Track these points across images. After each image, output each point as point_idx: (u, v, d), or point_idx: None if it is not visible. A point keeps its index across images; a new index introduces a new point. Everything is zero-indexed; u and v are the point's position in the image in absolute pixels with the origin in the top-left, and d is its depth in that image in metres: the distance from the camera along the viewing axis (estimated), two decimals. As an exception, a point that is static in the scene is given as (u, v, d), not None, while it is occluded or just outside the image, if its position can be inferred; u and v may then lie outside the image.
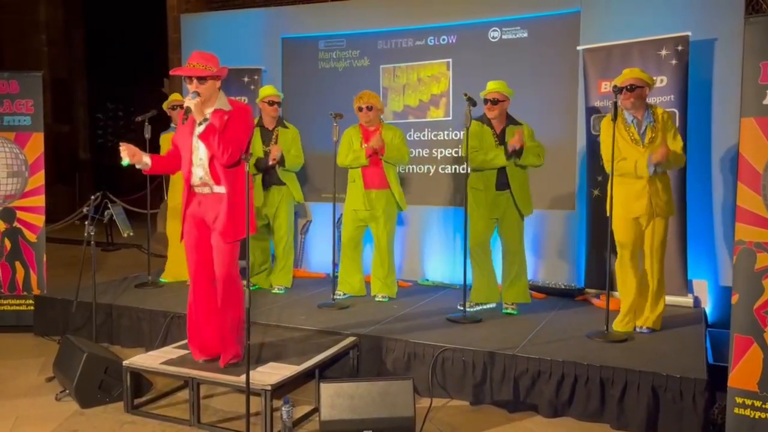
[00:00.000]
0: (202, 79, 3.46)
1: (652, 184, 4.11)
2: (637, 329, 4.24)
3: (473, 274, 4.88)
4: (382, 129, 5.06)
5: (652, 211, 4.14)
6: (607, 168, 4.19)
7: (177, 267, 5.82)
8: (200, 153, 3.52)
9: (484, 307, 4.87)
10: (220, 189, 3.51)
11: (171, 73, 3.71)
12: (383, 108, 5.14)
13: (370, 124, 5.05)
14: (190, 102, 3.41)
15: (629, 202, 4.17)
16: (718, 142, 5.01)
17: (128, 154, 3.48)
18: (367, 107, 4.97)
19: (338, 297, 5.12)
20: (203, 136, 3.44)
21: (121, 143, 3.52)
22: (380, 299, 5.11)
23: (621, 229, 4.24)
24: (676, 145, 4.14)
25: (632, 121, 4.16)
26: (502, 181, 4.69)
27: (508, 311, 4.74)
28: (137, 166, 3.57)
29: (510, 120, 4.71)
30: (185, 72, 3.46)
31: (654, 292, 4.25)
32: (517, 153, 4.56)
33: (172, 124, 5.76)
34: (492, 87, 4.65)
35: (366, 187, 5.05)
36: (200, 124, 3.45)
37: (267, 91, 5.40)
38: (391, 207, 5.13)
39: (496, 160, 4.62)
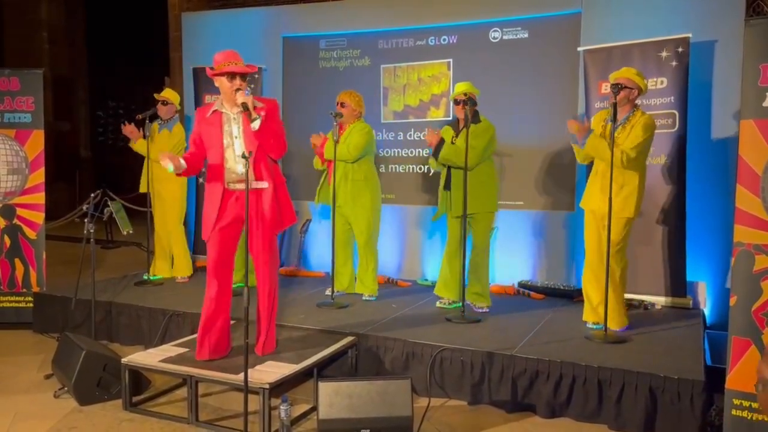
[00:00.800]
0: (243, 76, 3.52)
1: (604, 179, 4.08)
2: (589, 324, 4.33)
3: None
4: (352, 126, 5.05)
5: (598, 206, 4.17)
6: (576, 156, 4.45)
7: (162, 262, 5.85)
8: (237, 149, 3.55)
9: (443, 299, 4.92)
10: (261, 184, 3.56)
11: (212, 75, 3.59)
12: (359, 108, 5.09)
13: (343, 122, 5.06)
14: (246, 98, 3.41)
15: (589, 194, 4.29)
16: (718, 143, 5.01)
17: (172, 164, 3.49)
18: (340, 104, 5.03)
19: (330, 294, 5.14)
20: (261, 133, 3.46)
21: (160, 155, 3.51)
22: (366, 299, 5.14)
23: (585, 222, 4.37)
24: (627, 143, 4.05)
25: (610, 119, 4.17)
26: (448, 181, 4.77)
27: (479, 310, 4.77)
28: (172, 171, 3.53)
29: (474, 118, 4.69)
30: (239, 70, 3.49)
31: (613, 290, 4.19)
32: (436, 147, 4.67)
33: (159, 120, 5.77)
34: (458, 88, 4.72)
35: (330, 182, 5.06)
36: (254, 120, 3.42)
37: None
38: (356, 203, 5.08)
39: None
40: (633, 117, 4.14)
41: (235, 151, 3.56)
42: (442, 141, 4.69)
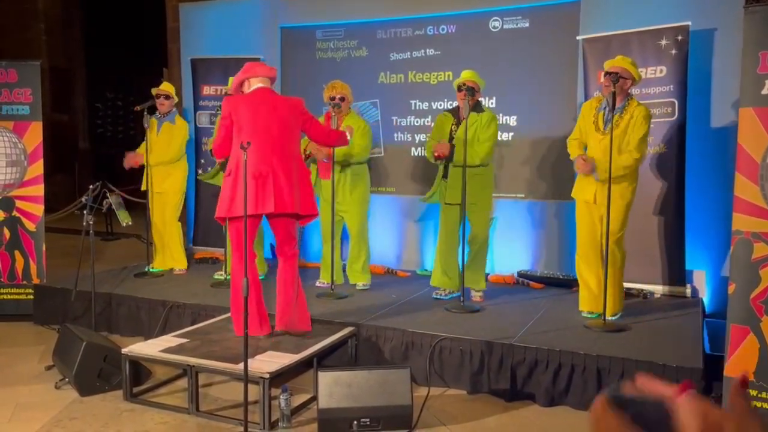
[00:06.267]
0: None
1: (603, 171, 4.06)
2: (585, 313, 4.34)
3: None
4: (347, 118, 5.02)
5: (595, 198, 4.16)
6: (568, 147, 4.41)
7: (162, 254, 5.86)
8: None
9: (439, 290, 4.92)
10: None
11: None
12: (352, 98, 5.12)
13: (341, 115, 5.03)
14: None
15: (583, 185, 4.26)
16: (717, 131, 5.00)
17: None
18: (340, 98, 4.97)
19: (321, 285, 5.15)
20: None
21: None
22: (361, 288, 5.14)
23: (577, 212, 4.35)
24: (631, 143, 4.04)
25: (604, 107, 4.16)
26: (447, 170, 4.77)
27: (476, 298, 4.78)
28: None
29: (476, 108, 4.68)
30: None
31: (613, 278, 4.19)
32: (447, 158, 4.64)
33: (158, 114, 5.75)
34: (464, 76, 4.69)
35: (320, 175, 5.07)
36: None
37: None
38: (353, 195, 5.09)
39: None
40: (629, 106, 4.12)
41: None
42: (452, 148, 4.63)
